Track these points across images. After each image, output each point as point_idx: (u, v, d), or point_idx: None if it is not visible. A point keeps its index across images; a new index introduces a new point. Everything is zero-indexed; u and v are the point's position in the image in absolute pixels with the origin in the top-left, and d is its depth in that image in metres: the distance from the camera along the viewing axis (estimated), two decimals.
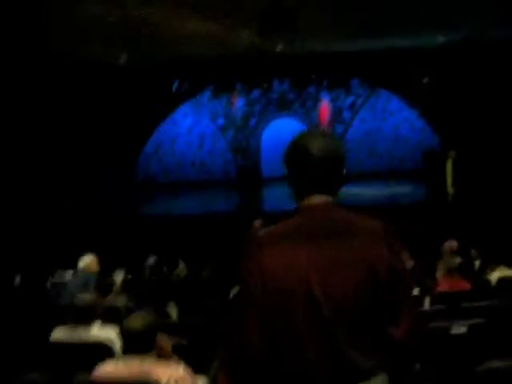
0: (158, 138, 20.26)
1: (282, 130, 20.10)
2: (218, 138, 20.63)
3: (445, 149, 15.46)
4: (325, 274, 2.15)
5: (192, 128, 20.49)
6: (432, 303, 5.58)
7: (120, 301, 6.13)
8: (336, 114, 20.55)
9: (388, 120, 20.22)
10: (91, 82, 16.10)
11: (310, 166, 2.27)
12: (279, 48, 15.24)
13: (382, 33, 14.61)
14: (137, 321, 3.41)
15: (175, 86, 18.62)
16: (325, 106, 20.60)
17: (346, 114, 20.50)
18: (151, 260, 9.54)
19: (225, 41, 14.24)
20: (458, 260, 7.67)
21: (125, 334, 3.42)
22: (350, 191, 16.15)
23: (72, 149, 16.08)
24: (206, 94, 20.23)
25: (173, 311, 5.90)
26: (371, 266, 2.17)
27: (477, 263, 8.46)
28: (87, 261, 7.96)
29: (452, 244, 8.50)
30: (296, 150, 2.31)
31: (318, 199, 2.28)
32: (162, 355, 3.46)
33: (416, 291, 6.06)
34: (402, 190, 16.92)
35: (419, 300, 5.68)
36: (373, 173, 19.36)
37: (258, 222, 10.35)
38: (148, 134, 19.71)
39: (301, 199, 2.32)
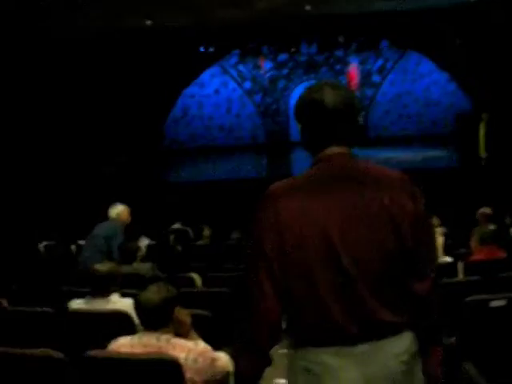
0: (185, 102, 20.13)
1: None
2: (246, 102, 20.43)
3: (477, 111, 15.08)
4: (344, 226, 2.09)
5: (219, 90, 20.27)
6: (466, 273, 5.37)
7: (144, 268, 5.99)
8: (365, 77, 20.21)
9: (418, 82, 19.84)
10: (117, 47, 15.88)
11: (326, 117, 2.21)
12: (307, 8, 14.86)
13: None
14: (152, 294, 3.15)
15: (202, 48, 18.33)
16: (353, 69, 20.27)
17: (376, 78, 20.17)
18: (176, 226, 9.40)
19: (250, 3, 13.90)
20: (492, 227, 7.47)
21: (140, 308, 3.20)
22: (382, 155, 16.34)
23: (98, 113, 15.94)
24: (233, 58, 20.05)
25: (197, 279, 5.74)
26: (393, 216, 2.10)
27: None
28: (120, 209, 7.41)
29: (486, 211, 8.22)
30: (311, 104, 2.25)
31: (334, 150, 2.22)
32: (180, 330, 3.27)
33: (449, 259, 5.86)
34: (435, 154, 16.63)
35: (452, 268, 5.49)
36: (404, 136, 19.14)
37: None
38: (175, 98, 19.52)
39: (317, 152, 2.26)
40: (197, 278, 5.74)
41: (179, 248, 6.74)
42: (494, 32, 15.43)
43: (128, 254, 6.20)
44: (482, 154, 14.02)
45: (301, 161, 17.71)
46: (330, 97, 2.21)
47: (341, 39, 18.90)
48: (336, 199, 2.11)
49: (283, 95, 20.30)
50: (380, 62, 19.99)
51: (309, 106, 2.25)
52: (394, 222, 2.10)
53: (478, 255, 5.59)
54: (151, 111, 17.77)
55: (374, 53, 19.87)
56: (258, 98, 20.42)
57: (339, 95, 2.22)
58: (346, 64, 20.15)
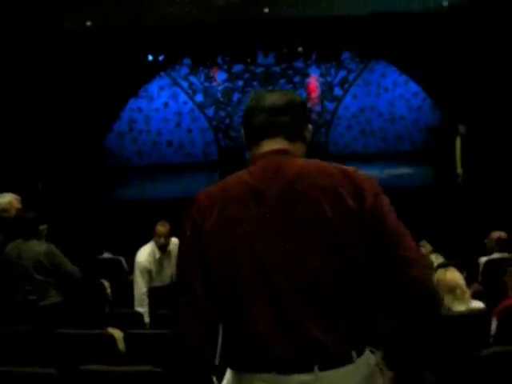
0: (132, 115, 18.68)
1: None
2: (198, 116, 19.04)
3: (450, 124, 13.87)
4: (272, 238, 1.94)
5: (169, 103, 18.80)
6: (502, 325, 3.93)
7: None
8: (326, 90, 19.07)
9: (383, 96, 18.83)
10: (54, 51, 14.19)
11: (260, 113, 2.17)
12: (265, 11, 13.57)
13: None
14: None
15: (149, 56, 16.87)
16: (314, 82, 19.17)
17: (337, 91, 19.04)
18: (106, 255, 7.74)
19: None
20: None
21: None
22: None
23: (35, 128, 14.21)
24: (184, 68, 18.68)
25: (119, 337, 4.19)
26: (333, 224, 1.91)
27: None
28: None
29: (502, 235, 6.70)
30: (248, 108, 2.25)
31: (269, 145, 2.15)
32: None
33: (477, 304, 4.27)
34: (402, 171, 15.43)
35: (484, 319, 4.01)
36: (367, 153, 17.96)
37: None
38: (119, 110, 18.08)
39: (253, 151, 2.20)
40: (118, 336, 4.16)
41: (106, 285, 5.12)
42: (467, 40, 14.30)
43: None
44: (459, 170, 12.73)
45: None
46: (267, 96, 2.21)
47: (300, 49, 17.68)
48: (266, 208, 1.97)
49: (238, 109, 19.00)
50: (342, 73, 18.92)
51: (248, 109, 2.24)
52: (337, 231, 1.91)
53: None
54: (94, 124, 16.26)
55: (335, 64, 18.79)
56: (210, 111, 19.11)
57: (277, 94, 2.22)
58: (306, 76, 19.01)
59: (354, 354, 1.91)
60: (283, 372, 1.88)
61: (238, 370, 1.99)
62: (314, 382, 1.87)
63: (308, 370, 1.87)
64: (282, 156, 2.09)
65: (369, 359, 1.98)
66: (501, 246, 6.39)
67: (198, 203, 2.09)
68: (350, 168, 2.02)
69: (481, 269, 6.26)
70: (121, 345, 4.10)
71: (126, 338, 4.11)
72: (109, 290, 5.24)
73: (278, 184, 1.99)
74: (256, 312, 1.91)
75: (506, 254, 6.36)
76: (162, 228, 6.69)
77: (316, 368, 1.87)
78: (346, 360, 1.89)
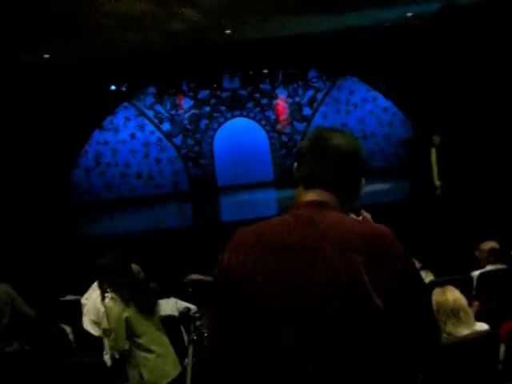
0: (98, 149, 18.17)
1: (236, 131, 18.49)
2: (166, 145, 18.60)
3: (423, 136, 13.58)
4: (288, 297, 1.81)
5: (135, 134, 18.34)
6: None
7: None
8: (295, 110, 18.87)
9: (352, 114, 18.61)
10: (10, 84, 13.66)
11: (325, 156, 2.02)
12: (227, 32, 13.20)
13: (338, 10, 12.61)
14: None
15: (112, 86, 16.42)
16: (282, 103, 18.95)
17: (306, 110, 18.83)
18: (69, 297, 7.21)
19: (165, 24, 12.06)
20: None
21: None
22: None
23: None
24: (149, 97, 18.28)
25: None
26: (353, 290, 1.76)
27: None
28: None
29: (494, 245, 6.24)
30: (315, 141, 2.09)
31: (316, 195, 2.00)
32: None
33: (481, 327, 3.79)
34: (377, 188, 15.04)
35: (491, 342, 3.57)
36: None
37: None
38: (85, 144, 17.53)
39: (299, 195, 2.06)
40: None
41: (68, 330, 4.61)
42: (435, 50, 14.07)
43: None
44: (437, 182, 12.39)
45: (230, 207, 16.04)
46: (337, 137, 2.06)
47: (265, 71, 17.35)
48: (286, 262, 1.84)
49: (206, 136, 18.69)
50: (310, 93, 18.72)
51: (313, 142, 2.09)
52: (356, 298, 1.76)
53: None
54: (59, 159, 15.67)
55: (302, 84, 18.60)
56: (178, 140, 18.74)
57: (346, 138, 2.07)
58: (274, 98, 18.75)
59: None
60: None
61: None
62: None
63: None
64: (318, 208, 1.97)
65: None
66: (494, 257, 5.98)
67: (230, 242, 1.99)
68: (385, 231, 1.89)
69: (474, 284, 5.85)
70: None
71: None
72: (71, 336, 4.77)
73: (301, 239, 1.88)
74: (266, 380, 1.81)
75: (500, 266, 5.93)
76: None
77: None
78: None
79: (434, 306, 3.70)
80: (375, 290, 1.76)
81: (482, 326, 3.73)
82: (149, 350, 4.57)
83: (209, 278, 4.95)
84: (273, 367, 1.79)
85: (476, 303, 4.81)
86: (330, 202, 1.98)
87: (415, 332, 1.84)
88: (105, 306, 4.71)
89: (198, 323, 3.83)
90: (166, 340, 4.75)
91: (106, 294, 4.87)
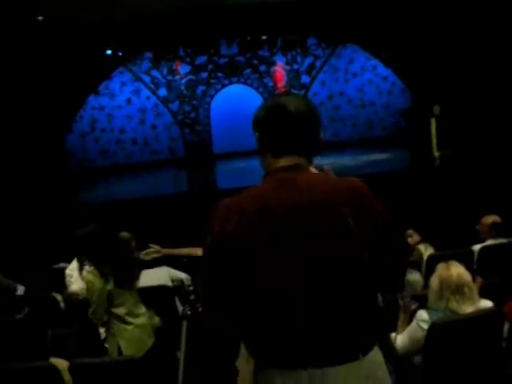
0: (94, 114, 17.94)
1: (233, 98, 18.29)
2: (162, 111, 18.38)
3: (423, 107, 13.41)
4: (301, 242, 2.03)
5: (131, 99, 18.12)
6: None
7: None
8: (293, 77, 18.63)
9: (351, 82, 18.43)
10: (4, 45, 13.38)
11: (288, 123, 2.17)
12: None
13: None
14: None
15: (108, 51, 16.15)
16: (280, 70, 18.68)
17: (305, 78, 18.59)
18: (62, 265, 7.06)
19: None
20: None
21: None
22: (323, 162, 14.58)
23: None
24: (145, 62, 18.01)
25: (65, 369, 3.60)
26: (349, 229, 2.03)
27: None
28: None
29: (496, 219, 6.08)
30: (272, 110, 2.22)
31: (288, 161, 2.17)
32: None
33: (486, 303, 3.68)
34: (377, 157, 14.93)
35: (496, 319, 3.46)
36: (338, 141, 17.45)
37: None
38: (80, 109, 17.35)
39: (270, 162, 2.21)
40: (62, 367, 3.56)
41: (59, 299, 4.51)
42: (437, 18, 13.82)
43: None
44: (436, 152, 12.26)
45: (226, 174, 15.92)
46: (293, 103, 2.19)
47: (264, 37, 17.09)
48: (283, 222, 2.04)
49: (203, 102, 18.46)
50: (308, 60, 18.45)
51: (270, 112, 2.22)
52: (353, 235, 2.03)
53: None
54: (53, 124, 15.45)
55: (301, 51, 18.32)
56: (174, 106, 18.51)
57: (302, 103, 2.21)
58: (272, 64, 18.49)
59: (372, 345, 2.12)
60: (313, 366, 2.03)
61: (267, 368, 2.10)
62: (339, 374, 2.03)
63: (337, 363, 2.03)
64: (295, 171, 2.14)
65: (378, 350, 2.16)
66: (496, 231, 5.85)
67: (217, 212, 2.12)
68: (357, 182, 2.15)
69: (475, 258, 5.73)
70: (66, 376, 3.52)
71: (71, 369, 3.52)
72: (62, 305, 4.67)
73: (290, 199, 2.06)
74: (292, 310, 2.03)
75: (501, 240, 5.81)
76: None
77: (344, 362, 2.04)
78: (366, 350, 2.08)
79: (437, 281, 3.61)
80: (362, 241, 2.03)
81: (486, 304, 3.62)
82: (127, 322, 4.50)
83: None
84: (274, 310, 2.04)
85: (479, 279, 4.69)
86: (303, 164, 2.15)
87: (390, 264, 2.15)
88: (84, 279, 4.60)
89: (192, 297, 3.71)
90: (143, 311, 4.67)
91: (84, 267, 4.76)
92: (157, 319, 4.78)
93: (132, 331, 4.52)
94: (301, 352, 2.03)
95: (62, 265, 6.88)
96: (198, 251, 4.44)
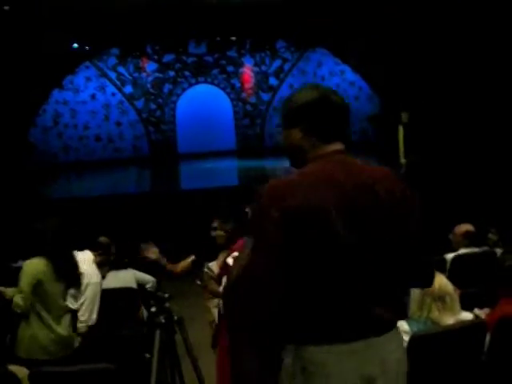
0: (57, 108, 17.61)
1: (200, 98, 18.12)
2: (127, 108, 18.15)
3: (391, 114, 13.41)
4: (354, 218, 2.07)
5: (96, 95, 17.83)
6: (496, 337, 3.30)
7: None
8: (261, 79, 18.56)
9: None
10: None
11: (338, 112, 2.27)
12: None
13: None
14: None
15: (75, 44, 15.85)
16: (248, 71, 18.61)
17: (273, 80, 18.51)
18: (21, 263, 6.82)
19: None
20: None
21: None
22: (281, 166, 14.53)
23: None
24: (112, 58, 17.75)
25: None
26: (394, 207, 2.14)
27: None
28: None
29: (469, 228, 6.04)
30: (324, 99, 2.25)
31: (338, 146, 2.25)
32: None
33: (466, 315, 3.61)
34: None
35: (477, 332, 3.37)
36: None
37: None
38: (43, 103, 16.98)
39: (318, 147, 2.25)
40: (22, 375, 3.36)
41: None
42: (406, 24, 13.82)
43: None
44: (402, 159, 12.24)
45: (190, 175, 15.73)
46: (334, 93, 2.30)
47: (233, 38, 16.97)
48: (352, 198, 2.09)
49: (169, 101, 18.29)
50: (277, 63, 18.38)
51: (322, 100, 2.25)
52: (398, 213, 2.15)
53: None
54: (15, 118, 15.07)
55: (270, 53, 18.27)
56: (140, 103, 18.30)
57: (339, 95, 2.32)
58: (240, 65, 18.39)
59: (396, 322, 2.22)
60: (352, 339, 2.06)
61: (305, 344, 2.08)
62: (368, 348, 2.08)
63: (366, 337, 2.07)
64: (346, 155, 2.23)
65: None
66: (469, 240, 5.80)
67: (277, 188, 2.11)
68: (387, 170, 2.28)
69: (448, 267, 5.67)
70: None
71: (30, 377, 3.32)
72: None
73: (352, 176, 2.14)
74: (339, 287, 2.06)
75: (474, 249, 5.76)
76: None
77: (372, 336, 2.09)
78: (392, 326, 2.17)
79: (419, 291, 3.52)
80: (412, 218, 2.17)
81: (467, 316, 3.54)
82: (42, 321, 4.23)
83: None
84: (343, 280, 2.06)
85: (457, 290, 4.63)
86: (346, 151, 2.26)
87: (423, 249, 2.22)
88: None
89: (167, 305, 3.53)
90: (66, 319, 4.41)
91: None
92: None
93: (40, 333, 4.17)
94: (360, 322, 2.08)
95: (21, 263, 6.63)
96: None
